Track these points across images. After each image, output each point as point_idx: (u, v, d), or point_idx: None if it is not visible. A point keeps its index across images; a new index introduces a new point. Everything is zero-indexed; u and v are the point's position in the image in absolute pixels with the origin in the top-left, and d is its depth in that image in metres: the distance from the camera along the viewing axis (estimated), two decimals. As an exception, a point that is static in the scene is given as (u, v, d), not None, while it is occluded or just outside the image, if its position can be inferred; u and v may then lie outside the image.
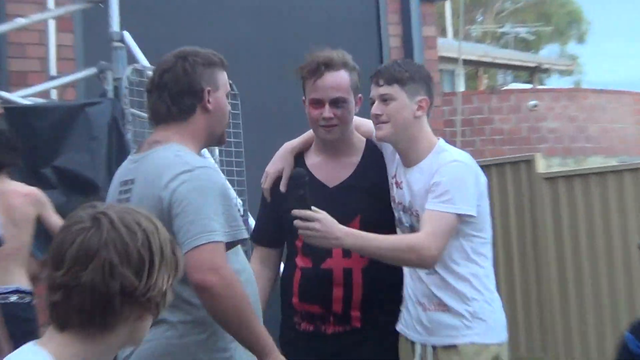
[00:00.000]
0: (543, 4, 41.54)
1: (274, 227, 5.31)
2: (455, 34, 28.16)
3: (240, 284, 4.20)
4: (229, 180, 8.18)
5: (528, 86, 28.55)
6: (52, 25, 9.53)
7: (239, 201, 7.99)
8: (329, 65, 5.10)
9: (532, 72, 30.77)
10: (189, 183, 4.28)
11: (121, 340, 2.77)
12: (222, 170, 8.26)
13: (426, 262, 4.83)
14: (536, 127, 20.04)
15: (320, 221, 4.64)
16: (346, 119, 5.15)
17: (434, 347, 5.01)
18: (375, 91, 5.04)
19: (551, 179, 13.01)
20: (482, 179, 5.11)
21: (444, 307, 4.98)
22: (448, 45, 23.03)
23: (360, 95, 5.20)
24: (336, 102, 5.09)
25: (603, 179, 12.61)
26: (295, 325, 5.21)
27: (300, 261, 5.17)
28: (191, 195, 4.25)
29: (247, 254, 5.22)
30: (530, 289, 13.05)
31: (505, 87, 29.92)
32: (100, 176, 7.58)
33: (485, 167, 13.28)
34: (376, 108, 5.02)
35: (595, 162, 18.03)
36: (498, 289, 12.84)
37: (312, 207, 4.58)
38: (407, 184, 5.07)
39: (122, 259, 2.68)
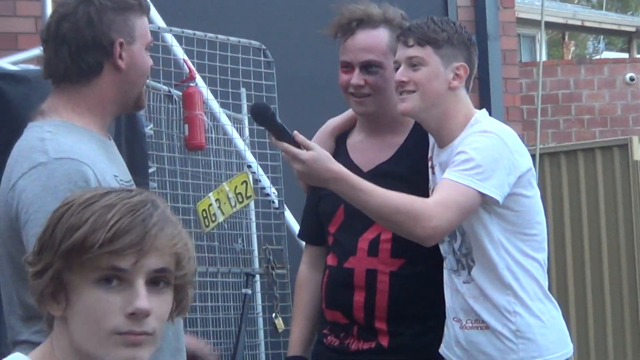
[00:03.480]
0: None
1: (317, 223, 5.30)
2: (537, -7, 28.13)
3: None
4: (260, 164, 8.17)
5: (624, 56, 28.45)
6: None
7: (273, 191, 7.98)
8: (363, 22, 5.00)
9: (630, 39, 30.65)
10: (39, 181, 3.91)
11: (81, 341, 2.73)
12: (254, 154, 8.25)
13: (424, 234, 4.67)
14: (634, 106, 20.02)
15: (305, 162, 4.58)
16: (381, 87, 5.02)
17: None
18: (402, 52, 4.86)
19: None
20: (525, 161, 4.92)
21: (483, 325, 4.91)
22: (528, 5, 22.99)
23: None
24: (368, 66, 5.00)
25: None
26: (324, 338, 5.20)
27: (329, 259, 5.16)
28: (41, 197, 3.86)
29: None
30: (625, 298, 13.00)
31: (596, 57, 29.87)
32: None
33: (570, 153, 13.60)
34: (402, 74, 4.83)
35: None
36: (583, 300, 13.03)
37: (299, 138, 4.50)
38: (440, 167, 4.95)
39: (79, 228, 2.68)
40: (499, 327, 4.85)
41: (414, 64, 4.83)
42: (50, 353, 2.74)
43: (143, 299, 2.61)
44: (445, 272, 4.97)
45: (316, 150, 4.60)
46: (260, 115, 4.59)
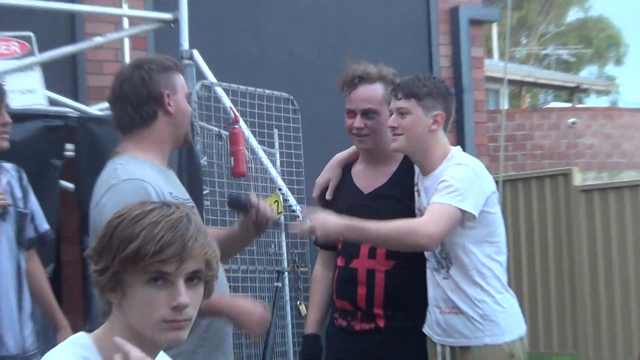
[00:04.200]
0: (584, 27, 41.38)
1: None
2: (501, 56, 28.08)
3: None
4: (289, 188, 8.20)
5: (568, 105, 28.42)
6: (127, 43, 9.57)
7: (298, 208, 8.00)
8: (363, 78, 5.04)
9: (572, 92, 30.60)
10: (114, 197, 4.05)
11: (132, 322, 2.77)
12: (283, 180, 8.28)
13: (424, 241, 4.70)
14: (574, 143, 19.96)
15: (315, 229, 4.65)
16: (377, 129, 5.05)
17: (452, 348, 4.96)
18: (393, 104, 4.91)
19: (587, 191, 12.98)
20: (490, 186, 4.96)
21: (457, 310, 4.90)
22: (494, 66, 22.97)
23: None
24: (367, 113, 5.02)
25: (635, 192, 12.60)
26: (335, 320, 5.21)
27: (339, 261, 5.17)
28: (116, 209, 3.83)
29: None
30: (565, 293, 13.05)
31: (546, 106, 29.81)
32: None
33: (526, 180, 13.66)
34: (392, 120, 4.89)
35: (629, 176, 17.92)
36: (533, 292, 12.98)
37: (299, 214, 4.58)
38: (424, 190, 4.98)
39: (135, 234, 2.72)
40: (470, 312, 4.86)
41: (402, 112, 4.87)
42: (109, 332, 2.75)
43: (183, 295, 2.69)
44: (428, 270, 4.99)
45: (320, 214, 4.67)
46: (237, 205, 4.60)
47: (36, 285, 5.56)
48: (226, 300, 4.23)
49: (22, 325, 5.31)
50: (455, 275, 4.89)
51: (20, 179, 5.57)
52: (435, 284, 4.96)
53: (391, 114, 4.93)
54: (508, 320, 4.97)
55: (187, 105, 4.39)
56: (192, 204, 4.27)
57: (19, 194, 5.48)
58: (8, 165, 5.56)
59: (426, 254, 4.98)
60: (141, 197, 3.88)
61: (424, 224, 4.70)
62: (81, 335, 2.76)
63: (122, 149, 4.32)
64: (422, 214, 4.94)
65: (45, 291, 5.65)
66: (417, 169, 5.08)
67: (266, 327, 4.44)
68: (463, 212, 4.75)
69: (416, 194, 5.05)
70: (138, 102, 4.27)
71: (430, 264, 4.99)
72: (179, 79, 4.39)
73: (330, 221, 4.65)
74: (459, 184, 4.77)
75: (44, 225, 5.66)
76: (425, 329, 5.04)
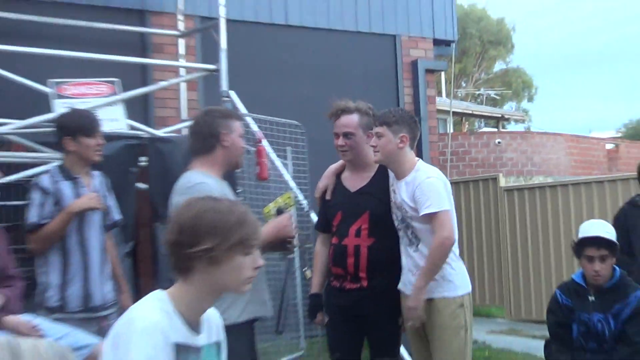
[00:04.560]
0: (506, 75, 41.34)
1: (326, 220, 5.26)
2: (448, 95, 28.01)
3: None
4: (298, 188, 8.18)
5: (495, 130, 28.39)
6: (183, 86, 9.57)
7: (305, 202, 8.00)
8: (344, 110, 5.05)
9: (498, 121, 30.58)
10: (189, 195, 4.00)
11: (216, 289, 2.75)
12: (296, 183, 8.27)
13: (450, 243, 4.82)
14: (499, 157, 20.04)
15: (414, 321, 4.88)
16: (353, 147, 5.06)
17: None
18: (374, 129, 4.96)
19: (509, 190, 13.17)
20: (449, 188, 4.99)
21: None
22: (442, 102, 22.87)
23: (370, 131, 5.05)
24: (347, 135, 5.04)
25: (543, 191, 12.76)
26: (331, 282, 5.16)
27: (333, 239, 5.13)
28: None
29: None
30: (494, 261, 13.16)
31: (479, 130, 29.80)
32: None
33: (465, 183, 13.67)
34: (373, 141, 4.95)
35: (538, 180, 18.01)
36: (472, 262, 12.90)
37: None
38: (398, 191, 4.96)
39: (213, 223, 2.71)
40: None
41: (378, 135, 4.91)
42: (185, 290, 2.70)
43: (260, 260, 2.76)
44: (402, 246, 4.97)
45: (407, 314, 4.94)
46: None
47: (111, 259, 5.59)
48: (264, 231, 4.22)
49: (103, 284, 5.35)
50: (422, 249, 4.88)
51: (104, 182, 5.63)
52: (408, 255, 4.94)
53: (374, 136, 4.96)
54: (459, 280, 4.98)
55: (240, 142, 4.53)
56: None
57: (103, 192, 5.54)
58: (96, 173, 5.58)
59: (400, 234, 4.97)
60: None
61: (441, 235, 4.79)
62: (159, 292, 2.72)
63: (193, 166, 4.49)
64: (396, 207, 4.96)
65: (115, 263, 5.67)
66: (391, 174, 5.07)
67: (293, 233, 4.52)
68: (447, 210, 4.81)
69: (392, 192, 5.03)
70: (203, 137, 4.47)
71: (404, 242, 4.96)
72: (236, 124, 4.53)
73: (413, 300, 4.84)
74: (437, 193, 4.84)
75: (116, 216, 5.69)
76: (400, 286, 5.00)
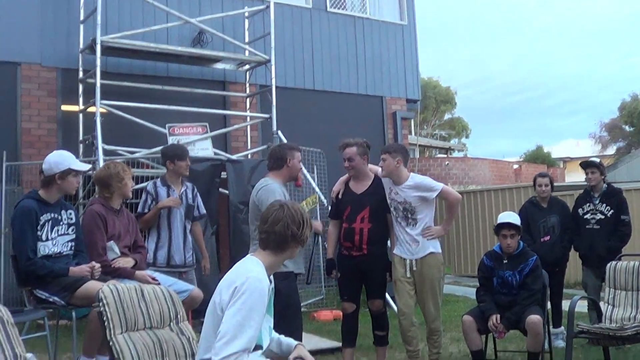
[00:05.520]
0: (452, 122, 41.12)
1: (337, 211, 5.08)
2: (415, 133, 27.88)
3: None
4: (321, 192, 8.15)
5: (444, 156, 28.25)
6: (248, 128, 9.58)
7: (324, 200, 7.92)
8: (348, 145, 4.90)
9: (447, 150, 30.46)
10: (264, 193, 4.17)
11: (286, 256, 2.76)
12: (320, 189, 8.22)
13: (459, 196, 4.94)
14: (448, 173, 19.90)
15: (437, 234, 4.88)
16: (354, 166, 4.92)
17: (416, 259, 4.80)
18: (381, 156, 4.86)
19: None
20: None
21: (417, 243, 4.79)
22: (412, 138, 22.79)
23: (366, 156, 4.94)
24: (349, 160, 4.90)
25: (475, 194, 12.62)
26: (341, 252, 5.01)
27: (344, 224, 4.96)
28: (263, 195, 4.13)
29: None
30: (446, 236, 12.86)
31: (436, 156, 29.64)
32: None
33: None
34: (380, 164, 4.86)
35: (472, 187, 17.84)
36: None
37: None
38: (400, 192, 4.84)
39: (292, 222, 2.70)
40: (422, 241, 4.79)
41: (383, 160, 4.81)
42: (273, 258, 2.72)
43: None
44: (398, 227, 4.85)
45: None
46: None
47: (197, 237, 5.54)
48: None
49: (185, 250, 5.30)
50: (418, 227, 4.80)
51: (193, 189, 5.52)
52: (406, 233, 4.82)
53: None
54: (437, 245, 4.89)
55: (298, 165, 4.49)
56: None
57: (190, 195, 5.43)
58: (188, 183, 5.52)
59: (399, 219, 4.86)
60: (275, 192, 4.11)
61: (455, 197, 4.91)
62: (252, 257, 2.73)
63: (267, 175, 4.41)
64: (397, 202, 4.85)
65: (200, 239, 5.61)
66: (386, 182, 4.93)
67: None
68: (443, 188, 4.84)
69: (393, 194, 4.88)
70: (275, 160, 4.41)
71: (402, 224, 4.84)
72: (297, 153, 4.49)
73: (440, 231, 4.85)
74: (434, 182, 4.84)
75: (202, 211, 5.58)
76: (397, 252, 4.88)
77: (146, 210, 5.24)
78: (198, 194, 5.59)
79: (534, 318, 4.65)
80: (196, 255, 5.52)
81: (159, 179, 5.46)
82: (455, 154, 34.51)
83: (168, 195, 5.31)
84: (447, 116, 41.25)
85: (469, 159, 22.65)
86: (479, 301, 5.02)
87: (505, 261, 5.02)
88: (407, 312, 4.80)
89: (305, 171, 7.96)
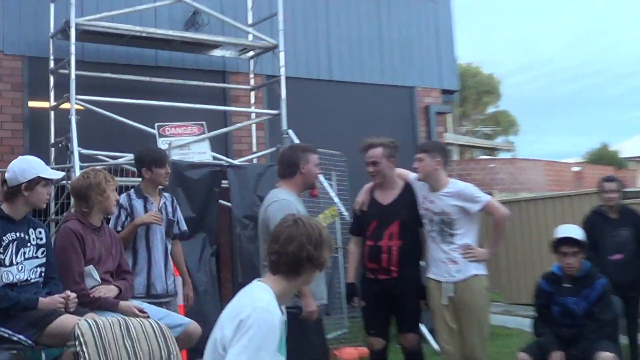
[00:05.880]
0: (497, 116, 41.12)
1: (360, 226, 5.13)
2: (453, 131, 27.88)
3: None
4: (341, 203, 8.12)
5: (490, 157, 28.31)
6: (253, 126, 9.61)
7: (345, 213, 7.90)
8: (371, 145, 4.97)
9: (492, 150, 30.48)
10: (275, 207, 4.26)
11: (301, 283, 2.77)
12: (339, 199, 8.19)
13: (507, 214, 5.00)
14: (493, 178, 19.97)
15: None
16: (379, 171, 4.97)
17: (455, 283, 4.81)
18: (417, 155, 4.92)
19: (502, 203, 12.80)
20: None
21: (454, 263, 4.82)
22: (449, 136, 22.78)
23: (393, 158, 5.01)
24: (374, 163, 4.96)
25: (526, 203, 12.66)
26: (365, 275, 5.03)
27: (368, 241, 4.99)
28: (275, 215, 4.13)
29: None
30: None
31: (478, 157, 29.66)
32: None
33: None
34: (415, 164, 4.92)
35: (523, 195, 17.85)
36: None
37: None
38: (437, 201, 4.89)
39: (308, 241, 2.68)
40: (463, 262, 4.81)
41: (420, 160, 4.90)
42: (284, 284, 2.71)
43: None
44: (433, 244, 4.91)
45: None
46: None
47: (177, 259, 5.45)
48: None
49: (167, 277, 5.20)
50: (457, 242, 4.84)
51: (172, 201, 5.45)
52: (442, 250, 4.87)
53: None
54: (480, 267, 4.92)
55: (314, 170, 4.58)
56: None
57: (170, 209, 5.35)
58: (166, 194, 5.46)
59: (433, 234, 4.91)
60: (288, 208, 4.12)
61: (502, 214, 4.96)
62: (262, 284, 2.72)
63: (278, 185, 4.54)
64: (433, 213, 4.91)
65: (180, 262, 5.52)
66: (420, 188, 4.99)
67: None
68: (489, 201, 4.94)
69: (428, 202, 4.94)
70: (286, 166, 4.53)
71: (437, 240, 4.89)
72: (312, 156, 4.59)
73: (487, 254, 4.93)
74: (478, 191, 4.94)
75: (183, 227, 5.50)
76: (431, 276, 4.91)
77: (119, 229, 5.09)
78: (178, 207, 5.49)
79: (605, 356, 4.58)
80: (193, 280, 5.47)
81: (132, 190, 5.34)
82: (502, 155, 34.40)
83: (145, 210, 5.18)
84: (490, 109, 41.30)
85: (518, 160, 22.56)
86: (537, 334, 4.97)
87: (566, 285, 4.97)
88: (449, 350, 4.78)
89: (322, 178, 7.92)
